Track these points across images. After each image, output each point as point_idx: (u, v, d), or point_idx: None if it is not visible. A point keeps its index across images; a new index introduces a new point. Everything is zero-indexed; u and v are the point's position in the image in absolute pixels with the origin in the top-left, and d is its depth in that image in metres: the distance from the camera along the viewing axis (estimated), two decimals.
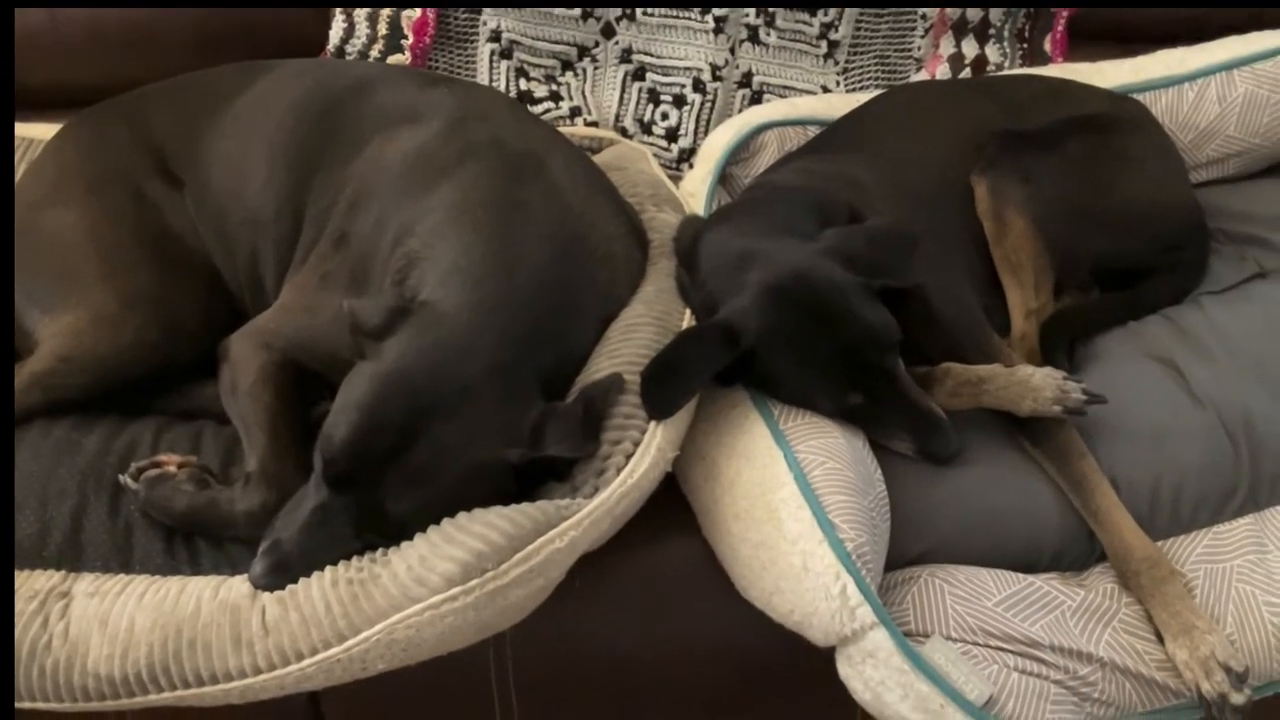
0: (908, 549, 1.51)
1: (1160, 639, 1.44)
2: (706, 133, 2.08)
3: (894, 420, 1.51)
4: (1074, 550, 1.54)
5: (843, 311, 1.47)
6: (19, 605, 1.41)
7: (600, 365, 1.48)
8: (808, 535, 1.38)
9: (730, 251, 1.55)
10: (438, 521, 1.37)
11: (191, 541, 1.52)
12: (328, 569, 1.38)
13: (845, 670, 1.40)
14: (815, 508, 1.39)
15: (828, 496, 1.40)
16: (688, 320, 1.56)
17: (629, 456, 1.40)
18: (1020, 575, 1.50)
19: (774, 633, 1.47)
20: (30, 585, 1.44)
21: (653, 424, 1.42)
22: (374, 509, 1.38)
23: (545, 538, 1.33)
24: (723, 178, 1.90)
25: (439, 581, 1.32)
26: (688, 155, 2.12)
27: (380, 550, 1.39)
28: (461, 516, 1.36)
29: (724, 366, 1.46)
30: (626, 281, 1.60)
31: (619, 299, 1.58)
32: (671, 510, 1.54)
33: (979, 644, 1.42)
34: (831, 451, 1.45)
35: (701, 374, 1.46)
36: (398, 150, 1.67)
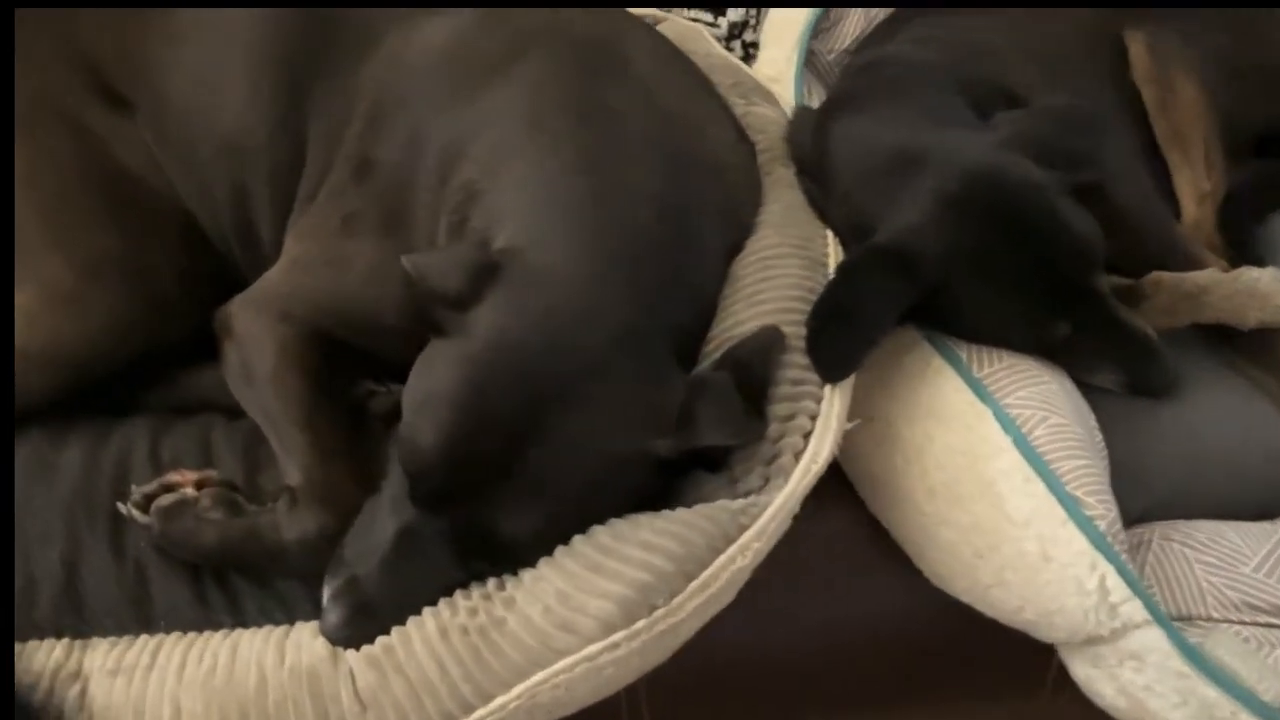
0: (1127, 507, 1.21)
1: None
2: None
3: (1100, 350, 1.21)
4: None
5: (1046, 220, 1.15)
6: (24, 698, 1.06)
7: (740, 316, 1.15)
8: (1044, 515, 1.08)
9: (878, 151, 1.22)
10: (566, 540, 1.05)
11: (226, 580, 1.17)
12: (427, 614, 1.05)
13: (1087, 672, 1.12)
14: (1050, 479, 1.09)
15: (1061, 463, 1.10)
16: (832, 246, 1.23)
17: (807, 435, 1.08)
18: (1262, 526, 1.22)
19: (954, 616, 1.20)
20: (29, 665, 1.09)
21: (828, 389, 1.10)
22: (481, 530, 1.04)
23: (726, 555, 1.02)
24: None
25: (593, 627, 1.00)
26: (739, 31, 1.75)
27: (494, 584, 1.06)
28: (604, 535, 1.03)
29: (908, 307, 1.14)
30: (748, 200, 1.26)
31: (742, 224, 1.24)
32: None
33: (1246, 623, 1.14)
34: (1049, 402, 1.14)
35: (882, 318, 1.13)
36: (425, 45, 1.30)
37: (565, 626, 1.00)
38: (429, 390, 1.06)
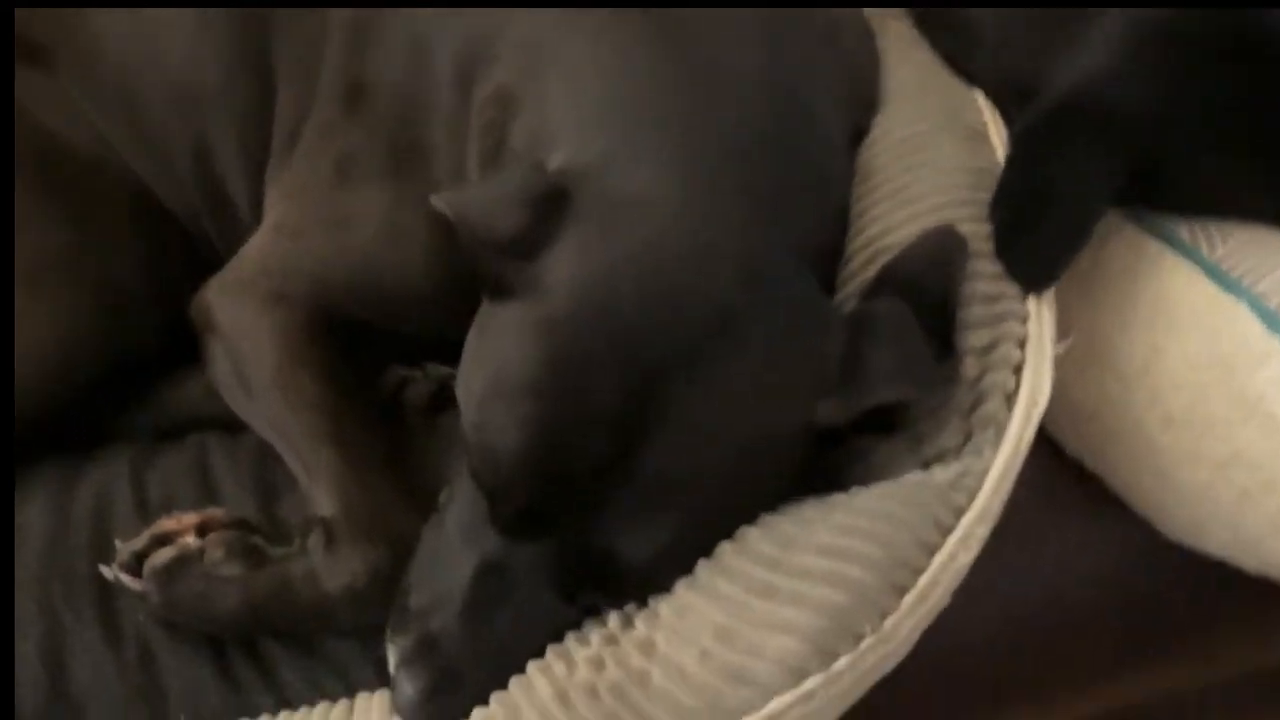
0: None
1: None
2: None
3: None
4: None
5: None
6: None
7: (888, 220, 0.86)
8: None
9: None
10: (707, 552, 0.77)
11: (257, 649, 0.89)
12: (534, 673, 0.78)
13: None
14: None
15: None
16: (989, 114, 0.93)
17: (1018, 369, 0.79)
18: None
19: (1178, 576, 0.96)
20: None
21: (1033, 303, 0.81)
22: (591, 554, 0.76)
23: (946, 551, 0.74)
24: None
25: (775, 674, 0.72)
26: None
27: (617, 621, 0.78)
28: (763, 542, 0.76)
29: (1121, 179, 0.85)
30: (869, 67, 0.97)
31: (867, 99, 0.94)
32: None
33: None
34: None
35: (1092, 199, 0.84)
36: None
37: (737, 677, 0.72)
38: (498, 374, 0.77)
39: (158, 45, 1.06)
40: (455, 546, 0.80)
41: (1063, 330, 0.87)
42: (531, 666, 0.78)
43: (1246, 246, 0.88)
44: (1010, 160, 0.85)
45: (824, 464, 0.81)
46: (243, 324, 0.96)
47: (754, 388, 0.76)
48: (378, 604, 0.84)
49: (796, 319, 0.78)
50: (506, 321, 0.78)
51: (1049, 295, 0.82)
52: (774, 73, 0.86)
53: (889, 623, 0.72)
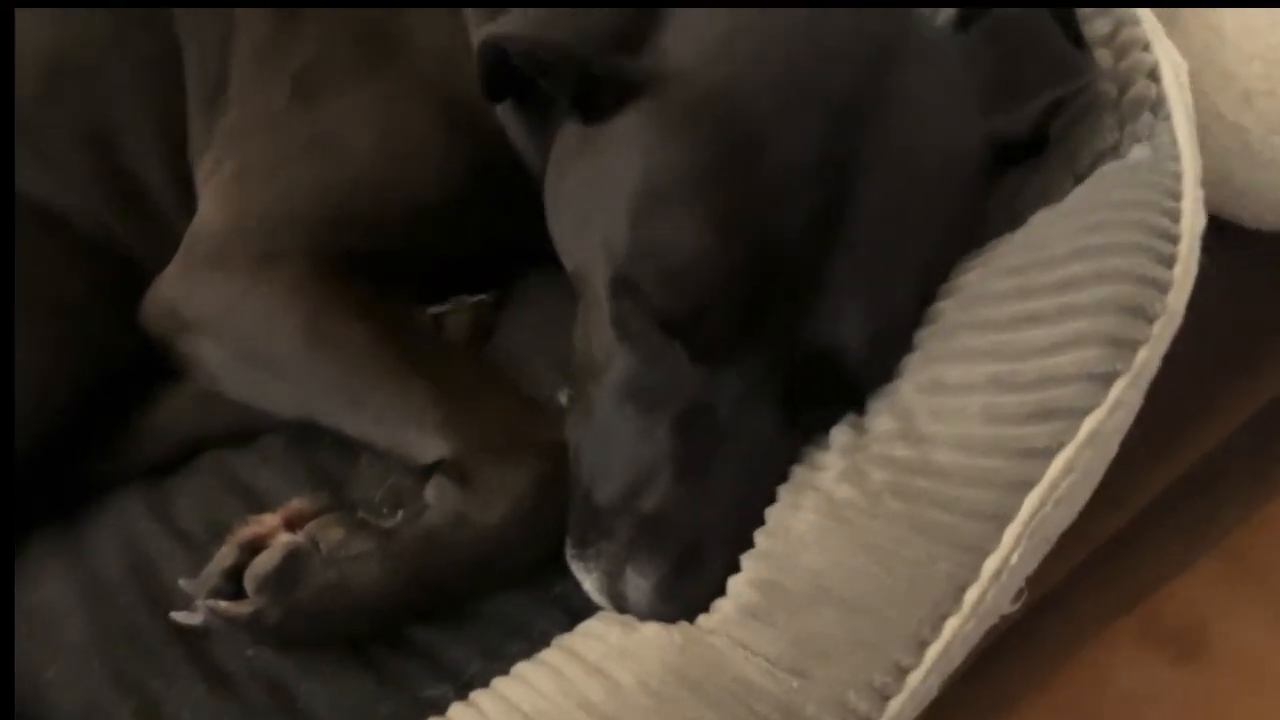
0: None
1: None
2: None
3: None
4: None
5: None
6: None
7: None
8: None
9: None
10: (919, 321, 0.69)
11: (409, 643, 0.73)
12: (787, 510, 0.67)
13: None
14: None
15: None
16: None
17: (1146, 47, 0.75)
18: None
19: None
20: None
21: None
22: (811, 356, 0.67)
23: (1189, 217, 0.68)
24: None
25: (1083, 390, 0.64)
26: None
27: (848, 432, 0.69)
28: (990, 280, 0.68)
29: None
30: None
31: None
32: None
33: None
34: None
35: None
36: None
37: (1040, 415, 0.64)
38: (649, 185, 0.67)
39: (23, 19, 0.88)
40: (631, 419, 0.69)
41: None
42: (775, 512, 0.67)
43: None
44: None
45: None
46: (233, 302, 0.80)
47: (934, 110, 0.69)
48: (554, 524, 0.70)
49: (938, 41, 0.71)
50: (631, 129, 0.68)
51: None
52: None
53: (1170, 297, 0.65)
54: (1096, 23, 0.75)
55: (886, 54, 0.68)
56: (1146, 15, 0.76)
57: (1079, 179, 0.74)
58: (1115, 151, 0.74)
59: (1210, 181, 0.84)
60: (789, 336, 0.66)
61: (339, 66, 0.82)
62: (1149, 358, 0.64)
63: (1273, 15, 0.84)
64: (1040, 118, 0.71)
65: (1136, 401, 0.66)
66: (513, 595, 0.74)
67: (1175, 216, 0.67)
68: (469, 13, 0.80)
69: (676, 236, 0.65)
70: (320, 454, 0.82)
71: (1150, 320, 0.64)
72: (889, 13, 0.71)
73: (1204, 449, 1.06)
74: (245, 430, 0.84)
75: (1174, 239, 0.67)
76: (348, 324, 0.78)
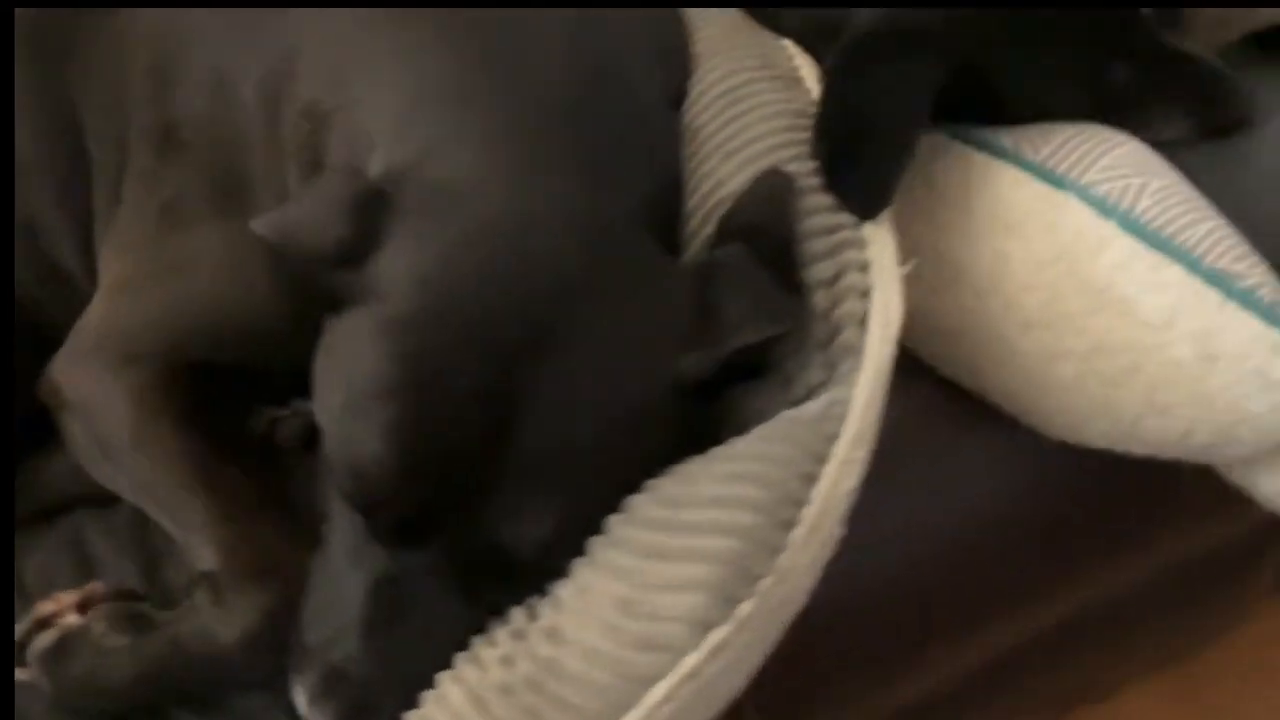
0: None
1: None
2: None
3: (1161, 89, 0.94)
4: None
5: None
6: None
7: (719, 173, 0.87)
8: (1190, 303, 0.82)
9: None
10: (597, 529, 0.76)
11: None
12: (446, 683, 0.76)
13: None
14: (1182, 256, 0.82)
15: (1187, 232, 0.84)
16: (800, 58, 0.94)
17: (865, 294, 0.80)
18: None
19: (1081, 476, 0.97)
20: None
21: (869, 228, 0.82)
22: (482, 550, 0.75)
23: (827, 479, 0.74)
24: None
25: (682, 633, 0.71)
26: None
27: (522, 615, 0.77)
28: (652, 508, 0.76)
29: (935, 94, 0.86)
30: (676, 31, 0.97)
31: (680, 62, 0.95)
32: None
33: None
34: (1140, 164, 0.88)
35: (910, 120, 0.85)
36: None
37: (646, 644, 0.72)
38: (350, 387, 0.76)
39: None
40: (344, 572, 0.79)
41: (906, 255, 0.88)
42: (443, 678, 0.77)
43: (1069, 143, 0.89)
44: (825, 94, 0.86)
45: (702, 421, 0.81)
46: (94, 392, 0.93)
47: (613, 352, 0.75)
48: (276, 649, 0.81)
49: (643, 279, 0.78)
50: (349, 332, 0.77)
51: (885, 218, 0.83)
52: (579, 44, 0.87)
53: (783, 560, 0.71)
54: (821, 266, 0.80)
55: (572, 294, 0.75)
56: (881, 262, 0.81)
57: (796, 404, 0.79)
58: (823, 388, 0.79)
59: (1003, 394, 0.90)
60: (463, 533, 0.75)
61: (197, 203, 0.94)
62: (753, 610, 0.71)
63: (1057, 249, 0.86)
64: (734, 357, 0.77)
65: (753, 640, 0.72)
66: (256, 695, 0.86)
67: (811, 480, 0.73)
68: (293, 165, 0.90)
69: (360, 436, 0.74)
70: (156, 533, 0.95)
71: (754, 579, 0.71)
72: (605, 244, 0.77)
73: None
74: (107, 498, 0.97)
75: (802, 503, 0.72)
76: (169, 432, 0.91)
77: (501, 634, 0.77)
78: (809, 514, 0.72)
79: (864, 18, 0.88)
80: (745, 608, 0.71)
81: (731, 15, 0.98)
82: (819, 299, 0.80)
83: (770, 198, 0.82)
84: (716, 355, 0.77)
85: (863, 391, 0.76)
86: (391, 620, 0.77)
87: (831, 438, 0.75)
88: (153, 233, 0.95)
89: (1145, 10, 0.93)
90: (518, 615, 0.77)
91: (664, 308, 0.77)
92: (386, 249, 0.76)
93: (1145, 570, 1.10)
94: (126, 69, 0.98)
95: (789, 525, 0.72)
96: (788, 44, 0.95)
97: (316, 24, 0.90)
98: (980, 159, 0.90)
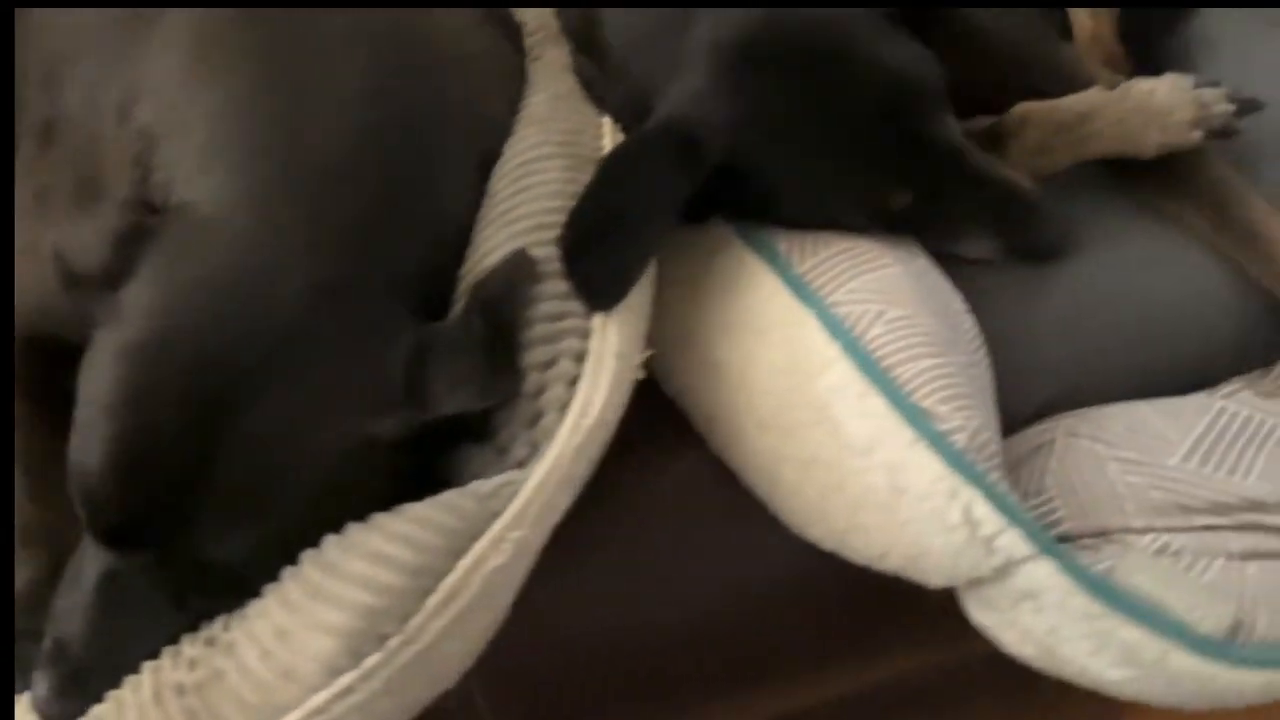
0: (1025, 401, 0.98)
1: None
2: None
3: (963, 213, 0.96)
4: (1258, 337, 1.02)
5: (856, 58, 0.90)
6: None
7: (493, 240, 0.92)
8: (888, 437, 0.84)
9: (640, 29, 0.97)
10: (292, 558, 0.83)
11: None
12: (146, 673, 0.85)
13: (984, 617, 0.89)
14: (889, 390, 0.85)
15: (903, 367, 0.86)
16: (610, 137, 0.98)
17: (573, 382, 0.85)
18: (1197, 399, 0.98)
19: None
20: None
21: (598, 321, 0.87)
22: (188, 561, 0.83)
23: (472, 556, 0.79)
24: None
25: (314, 671, 0.78)
26: None
27: (221, 624, 0.85)
28: (333, 548, 0.82)
29: (689, 196, 0.90)
30: (501, 93, 1.02)
31: (496, 123, 1.00)
32: (653, 413, 0.98)
33: (1179, 529, 0.90)
34: (887, 291, 0.90)
35: (657, 219, 0.89)
36: None
37: (288, 674, 0.79)
38: (86, 398, 0.84)
39: None
40: (87, 559, 0.88)
41: (678, 336, 0.93)
42: (145, 668, 0.85)
43: (833, 259, 0.92)
44: (590, 184, 0.90)
45: (426, 476, 0.87)
46: None
47: (309, 405, 0.82)
48: (41, 611, 0.91)
49: (363, 339, 0.84)
50: (96, 348, 0.85)
51: (622, 313, 0.87)
52: (387, 97, 0.92)
53: (413, 624, 0.78)
54: (539, 350, 0.85)
55: (285, 347, 0.81)
56: (599, 353, 0.85)
57: (506, 467, 0.85)
58: (527, 460, 0.84)
59: (750, 484, 0.94)
60: (175, 543, 0.83)
61: (60, 196, 1.04)
62: (380, 663, 0.78)
63: (791, 361, 0.90)
64: (445, 424, 0.83)
65: (383, 690, 0.79)
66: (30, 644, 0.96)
67: (459, 554, 0.79)
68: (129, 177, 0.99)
69: (85, 445, 0.83)
70: None
71: (383, 639, 0.77)
72: (333, 306, 0.84)
73: None
74: None
75: (443, 574, 0.79)
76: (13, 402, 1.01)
77: (200, 639, 0.85)
78: (446, 584, 0.78)
79: (660, 109, 0.92)
80: (371, 661, 0.78)
81: (568, 84, 1.02)
82: (531, 381, 0.85)
83: (510, 277, 0.87)
84: (411, 422, 0.83)
85: (534, 481, 0.81)
86: (112, 609, 0.85)
87: (494, 515, 0.80)
88: (27, 212, 1.05)
89: (956, 134, 0.95)
90: (217, 625, 0.85)
91: (375, 369, 0.83)
92: (137, 279, 0.84)
93: (907, 669, 1.12)
94: (26, 66, 1.08)
95: (426, 592, 0.78)
96: (605, 121, 0.99)
97: (162, 59, 0.97)
98: (752, 260, 0.94)
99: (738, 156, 0.90)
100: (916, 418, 0.84)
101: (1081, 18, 1.18)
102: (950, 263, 0.98)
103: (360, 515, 0.84)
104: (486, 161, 0.97)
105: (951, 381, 0.86)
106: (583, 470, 0.85)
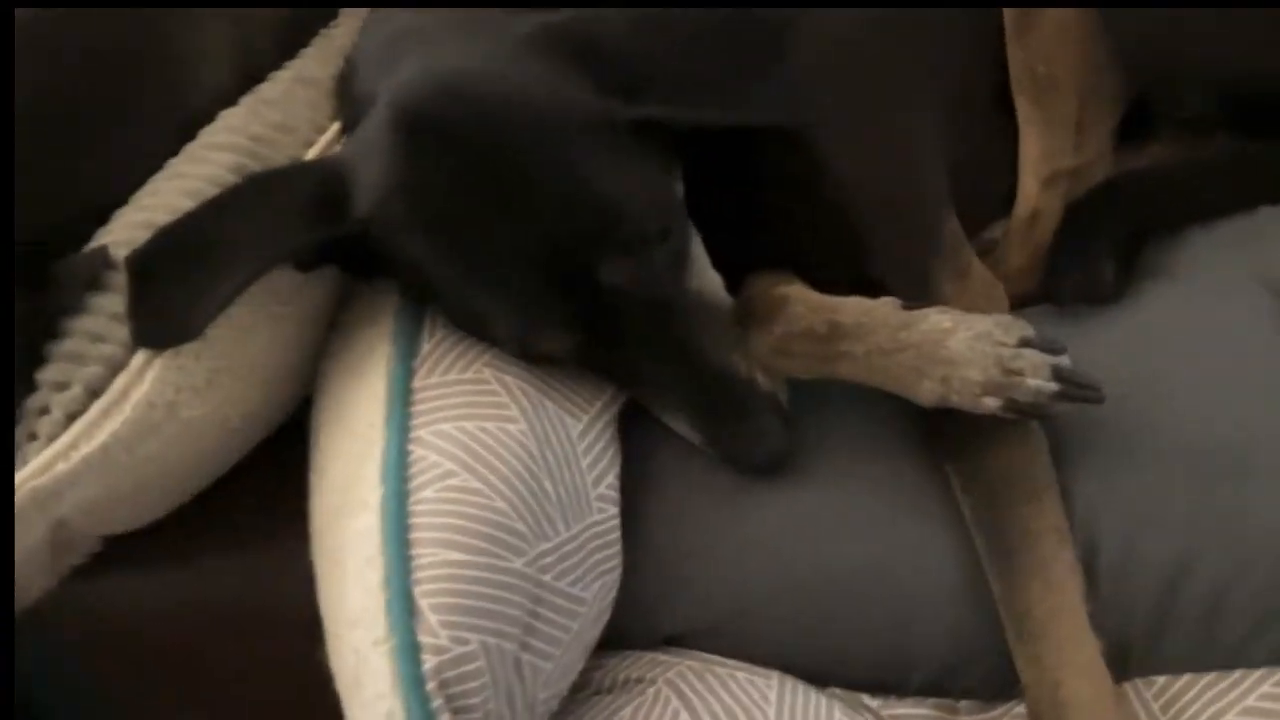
0: (663, 619, 0.82)
1: None
2: None
3: (657, 382, 0.79)
4: (980, 667, 0.81)
5: (538, 171, 0.73)
6: None
7: (111, 226, 0.81)
8: (370, 619, 0.70)
9: (390, 25, 0.82)
10: None
11: None
12: None
13: None
14: (395, 567, 0.70)
15: (428, 550, 0.71)
16: (325, 144, 0.84)
17: (73, 417, 0.74)
18: (862, 698, 0.79)
19: None
20: None
21: (139, 357, 0.75)
22: None
23: None
24: None
25: None
26: None
27: None
28: None
29: (313, 251, 0.77)
30: (227, 59, 0.89)
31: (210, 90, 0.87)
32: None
33: None
34: (481, 449, 0.74)
35: (252, 260, 0.75)
36: None
37: None
38: None
39: None
40: None
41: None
42: None
43: (461, 386, 0.78)
44: (204, 202, 0.78)
45: None
46: None
47: None
48: None
49: None
50: None
51: (180, 356, 0.75)
52: None
53: None
54: (59, 367, 0.75)
55: None
56: (118, 399, 0.74)
57: None
58: None
59: None
60: None
61: None
62: None
63: (347, 481, 0.76)
64: None
65: None
66: None
67: None
68: None
69: None
70: None
71: None
72: None
73: None
74: None
75: None
76: None
77: None
78: None
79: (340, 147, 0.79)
80: None
81: (325, 70, 0.88)
82: (37, 396, 0.75)
83: (76, 272, 0.76)
84: None
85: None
86: None
87: None
88: None
89: (652, 287, 0.76)
90: None
91: None
92: None
93: None
94: None
95: None
96: (335, 126, 0.85)
97: None
98: (384, 349, 0.79)
99: (380, 226, 0.75)
100: (402, 615, 0.69)
101: (1029, 187, 0.95)
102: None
103: None
104: (183, 135, 0.85)
105: (469, 590, 0.70)
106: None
